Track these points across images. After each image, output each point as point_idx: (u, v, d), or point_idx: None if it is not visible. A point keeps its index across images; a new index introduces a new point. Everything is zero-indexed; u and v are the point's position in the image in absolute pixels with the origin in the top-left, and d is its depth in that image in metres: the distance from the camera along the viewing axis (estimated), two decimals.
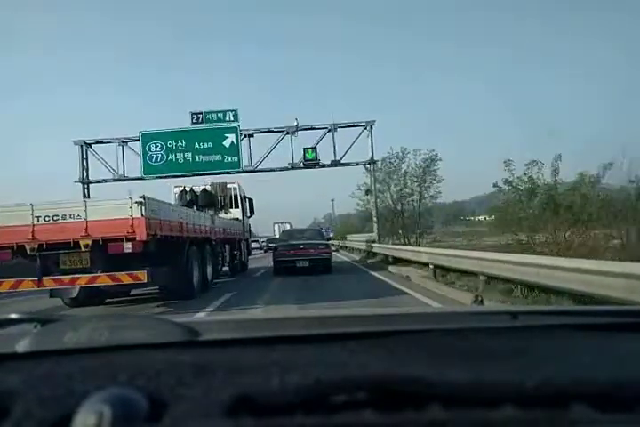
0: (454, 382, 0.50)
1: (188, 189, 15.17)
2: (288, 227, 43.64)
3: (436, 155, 22.08)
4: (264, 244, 43.38)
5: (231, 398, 0.48)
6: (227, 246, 13.57)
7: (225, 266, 13.57)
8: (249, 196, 18.01)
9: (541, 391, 0.49)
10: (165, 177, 22.06)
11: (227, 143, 21.32)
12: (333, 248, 21.95)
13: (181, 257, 8.83)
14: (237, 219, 15.44)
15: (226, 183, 16.11)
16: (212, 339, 0.67)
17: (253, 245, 45.47)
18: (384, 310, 1.07)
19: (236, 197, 15.91)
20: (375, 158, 21.88)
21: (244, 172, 21.79)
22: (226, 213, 15.35)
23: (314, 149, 21.72)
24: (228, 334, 0.70)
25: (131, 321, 0.73)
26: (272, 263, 13.98)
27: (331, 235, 39.10)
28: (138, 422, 0.45)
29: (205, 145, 21.37)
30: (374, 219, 21.94)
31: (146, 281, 7.60)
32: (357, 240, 22.88)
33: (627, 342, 0.71)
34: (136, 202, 7.43)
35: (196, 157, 21.34)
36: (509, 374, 0.52)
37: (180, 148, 21.44)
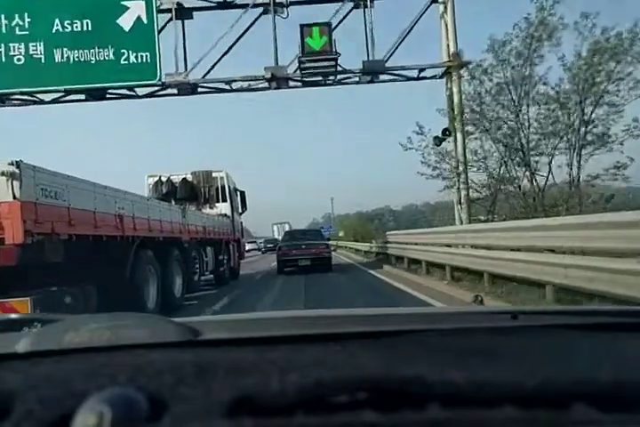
0: (454, 382, 0.50)
1: (164, 179, 12.55)
2: (287, 227, 44.03)
3: None
4: (262, 245, 42.26)
5: (231, 399, 0.48)
6: (209, 249, 10.89)
7: (206, 274, 10.86)
8: (240, 188, 14.79)
9: (541, 391, 0.49)
10: None
11: (126, 23, 9.81)
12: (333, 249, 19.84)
13: (122, 268, 5.91)
14: (225, 215, 12.87)
15: (211, 172, 13.08)
16: (212, 339, 0.67)
17: (250, 246, 44.51)
18: (384, 309, 1.07)
19: (223, 188, 13.05)
20: (461, 60, 10.40)
21: (165, 89, 10.80)
22: (211, 207, 12.79)
23: (325, 28, 9.76)
24: (228, 334, 0.70)
25: (131, 321, 0.73)
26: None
27: (340, 234, 37.91)
28: (138, 423, 0.45)
29: (77, 27, 9.83)
30: (460, 195, 11.02)
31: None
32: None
33: (627, 341, 0.71)
34: (2, 172, 4.08)
35: (56, 55, 9.86)
36: (509, 374, 0.52)
37: (16, 33, 9.77)
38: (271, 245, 39.61)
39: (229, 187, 13.28)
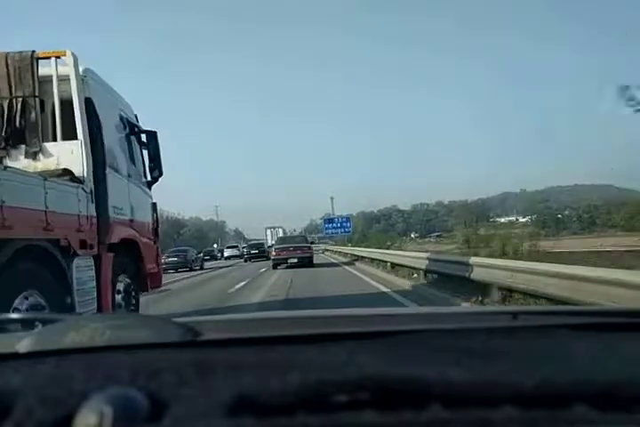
0: (454, 382, 0.50)
1: None
2: (280, 231, 45.08)
3: None
4: (245, 250, 33.99)
5: (231, 398, 0.48)
6: None
7: None
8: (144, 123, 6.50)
9: (541, 391, 0.49)
10: None
11: None
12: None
13: None
14: (70, 175, 4.54)
15: (33, 57, 4.67)
16: (213, 339, 0.67)
17: (229, 252, 39.66)
18: (384, 309, 1.07)
19: (69, 104, 4.71)
20: None
21: None
22: (33, 154, 4.66)
23: None
24: (228, 333, 0.70)
25: (131, 321, 0.73)
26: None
27: (348, 229, 32.39)
28: (138, 422, 0.45)
29: None
30: None
31: None
32: None
33: (627, 342, 0.71)
34: None
35: None
36: (509, 374, 0.52)
37: None
38: (256, 251, 31.35)
39: (90, 102, 4.92)
